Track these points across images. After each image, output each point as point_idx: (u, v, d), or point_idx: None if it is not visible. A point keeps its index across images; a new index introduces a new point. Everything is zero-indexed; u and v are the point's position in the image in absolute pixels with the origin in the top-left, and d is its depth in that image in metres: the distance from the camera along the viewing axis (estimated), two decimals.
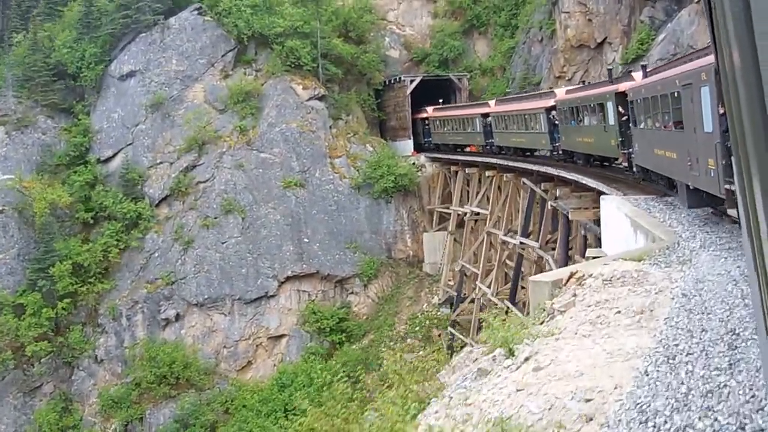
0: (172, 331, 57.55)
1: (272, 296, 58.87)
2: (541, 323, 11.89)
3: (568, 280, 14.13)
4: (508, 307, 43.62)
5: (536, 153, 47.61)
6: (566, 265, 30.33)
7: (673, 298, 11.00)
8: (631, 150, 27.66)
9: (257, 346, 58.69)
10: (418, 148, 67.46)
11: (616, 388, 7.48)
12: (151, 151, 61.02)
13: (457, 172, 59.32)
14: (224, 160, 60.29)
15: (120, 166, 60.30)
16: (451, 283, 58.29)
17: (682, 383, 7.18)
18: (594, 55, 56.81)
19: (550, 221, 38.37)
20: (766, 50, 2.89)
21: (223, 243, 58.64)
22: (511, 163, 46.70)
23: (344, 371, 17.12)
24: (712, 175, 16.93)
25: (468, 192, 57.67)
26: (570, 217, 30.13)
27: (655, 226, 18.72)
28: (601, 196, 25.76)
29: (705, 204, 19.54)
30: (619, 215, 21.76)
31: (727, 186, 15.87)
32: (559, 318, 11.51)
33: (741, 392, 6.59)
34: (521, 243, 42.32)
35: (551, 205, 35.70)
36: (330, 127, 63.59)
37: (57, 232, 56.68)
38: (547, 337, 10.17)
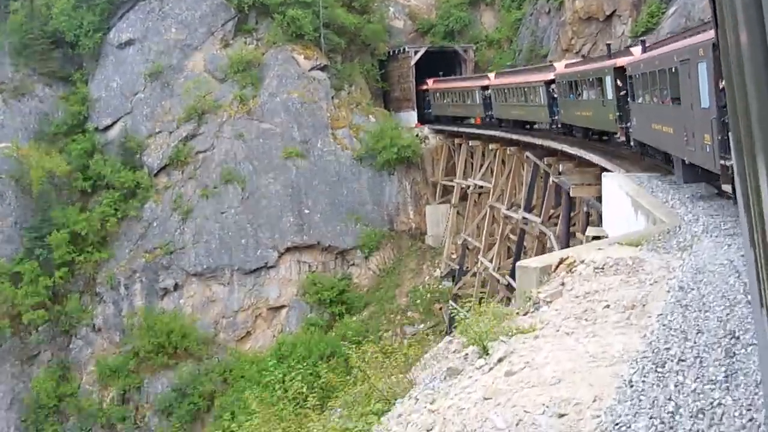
0: (170, 301, 57.02)
1: (272, 267, 58.23)
2: (525, 314, 11.04)
3: (557, 267, 13.27)
4: (509, 283, 43.00)
5: (536, 126, 47.51)
6: (567, 242, 29.55)
7: (668, 291, 10.10)
8: (628, 124, 27.96)
9: (256, 316, 58.16)
10: (421, 119, 66.44)
11: (595, 400, 6.63)
12: (150, 120, 60.13)
13: (461, 145, 58.39)
14: (224, 130, 59.39)
15: (119, 135, 59.47)
16: (454, 256, 57.53)
17: (670, 399, 6.33)
18: (603, 27, 55.50)
19: (553, 196, 37.49)
20: None
21: (222, 213, 57.91)
22: (514, 137, 45.79)
23: (300, 368, 16.22)
24: (708, 150, 17.08)
25: (472, 165, 56.74)
26: (571, 193, 29.24)
27: (657, 207, 17.84)
28: (603, 173, 24.85)
29: (700, 179, 19.73)
30: (620, 194, 20.91)
31: (722, 162, 15.95)
32: (543, 309, 10.66)
33: (737, 413, 5.75)
34: (524, 218, 41.47)
35: (553, 180, 34.81)
36: (332, 98, 62.55)
37: (54, 200, 55.99)
38: (526, 333, 9.31)
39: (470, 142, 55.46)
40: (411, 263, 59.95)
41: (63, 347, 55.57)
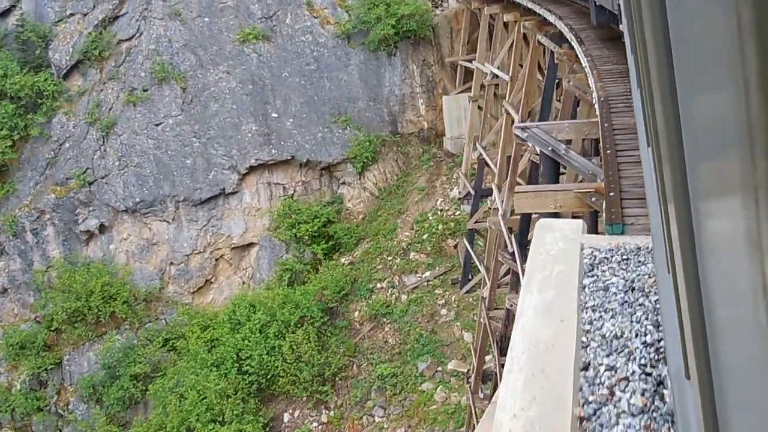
0: (97, 247, 42.72)
1: (232, 194, 43.04)
2: None
3: None
4: (514, 251, 26.56)
5: None
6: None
7: None
8: None
9: (216, 259, 43.57)
10: None
11: None
12: None
13: (481, 11, 40.81)
14: (154, 8, 43.02)
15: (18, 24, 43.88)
16: (476, 168, 40.71)
17: None
18: None
19: None
20: None
21: (157, 125, 42.41)
22: (530, 5, 28.60)
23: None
24: None
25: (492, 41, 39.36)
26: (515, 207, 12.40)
27: None
28: (539, 221, 8.44)
29: (608, 20, 19.03)
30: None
31: (618, 1, 15.39)
32: None
33: None
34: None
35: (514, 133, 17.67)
36: None
37: None
38: None
39: (486, 7, 37.81)
40: (421, 178, 43.70)
41: None
